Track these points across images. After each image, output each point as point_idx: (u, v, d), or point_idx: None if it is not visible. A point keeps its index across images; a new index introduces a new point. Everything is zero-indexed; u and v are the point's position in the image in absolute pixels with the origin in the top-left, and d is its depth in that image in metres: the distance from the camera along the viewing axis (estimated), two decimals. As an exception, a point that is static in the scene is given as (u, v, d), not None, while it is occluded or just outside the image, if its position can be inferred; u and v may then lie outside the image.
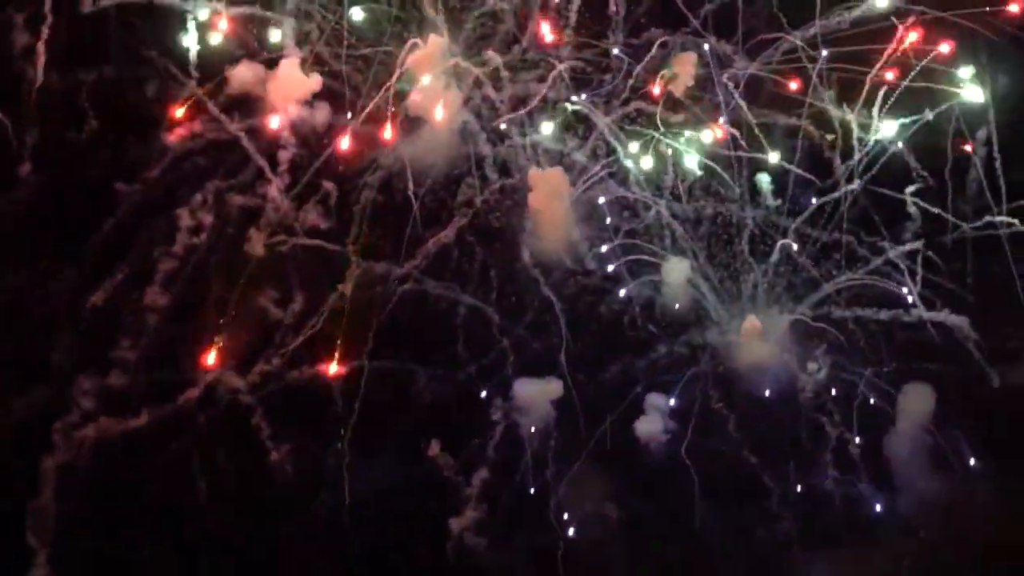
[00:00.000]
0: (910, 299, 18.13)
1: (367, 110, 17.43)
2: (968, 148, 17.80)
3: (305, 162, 17.50)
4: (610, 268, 18.30)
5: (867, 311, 18.20)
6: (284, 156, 17.16)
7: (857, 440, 18.18)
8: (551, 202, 17.42)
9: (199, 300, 17.19)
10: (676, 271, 17.91)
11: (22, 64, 16.41)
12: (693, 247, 18.04)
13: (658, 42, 17.73)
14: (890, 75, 17.53)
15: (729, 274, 18.24)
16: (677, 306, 18.33)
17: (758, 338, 17.79)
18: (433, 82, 17.22)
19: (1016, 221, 17.77)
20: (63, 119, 16.96)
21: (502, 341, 18.06)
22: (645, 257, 18.19)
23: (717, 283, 18.24)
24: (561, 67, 17.59)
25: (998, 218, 17.77)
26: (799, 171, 17.85)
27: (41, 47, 16.19)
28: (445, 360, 18.10)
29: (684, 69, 17.64)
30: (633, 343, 18.47)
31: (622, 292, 18.44)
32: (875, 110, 17.79)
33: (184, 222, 16.95)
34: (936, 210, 18.03)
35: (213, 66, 17.24)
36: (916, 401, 17.89)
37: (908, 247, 18.19)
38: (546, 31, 17.62)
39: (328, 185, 17.48)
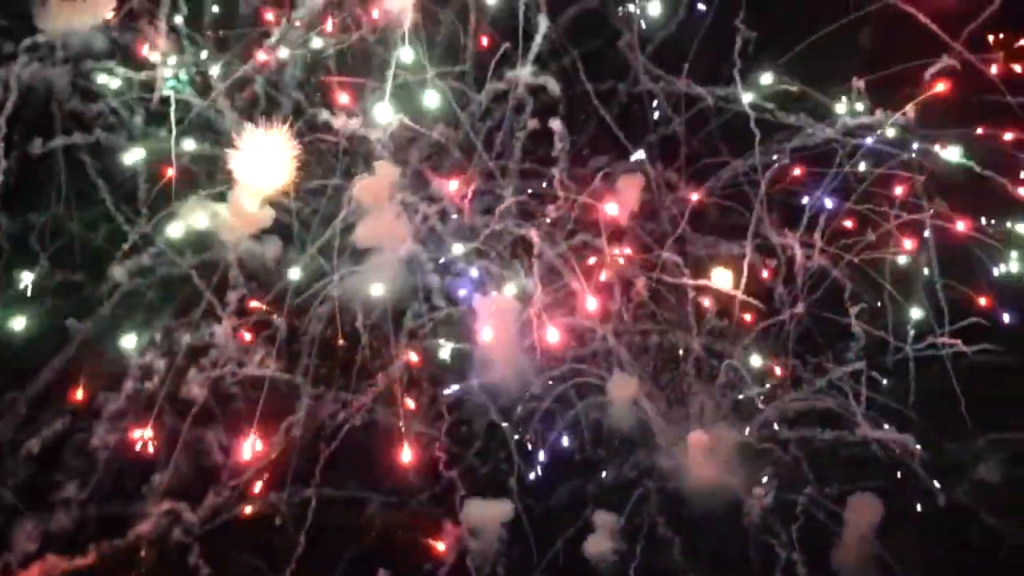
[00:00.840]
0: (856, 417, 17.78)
1: (317, 244, 17.02)
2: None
3: (255, 297, 17.05)
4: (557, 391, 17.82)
5: (812, 431, 17.99)
6: (233, 295, 16.78)
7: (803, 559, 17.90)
8: (498, 329, 17.33)
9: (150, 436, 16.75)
10: (622, 388, 17.78)
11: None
12: (639, 370, 17.95)
13: (601, 172, 17.49)
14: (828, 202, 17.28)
15: (675, 396, 18.15)
16: (624, 426, 18.03)
17: (705, 453, 17.76)
18: (381, 214, 17.00)
19: (958, 342, 17.48)
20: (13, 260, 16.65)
21: (452, 468, 17.59)
22: (592, 380, 17.91)
23: (663, 404, 18.06)
24: (508, 202, 17.31)
25: (940, 339, 17.52)
26: (744, 296, 17.57)
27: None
28: (395, 488, 17.74)
29: (630, 193, 17.54)
30: (581, 465, 18.25)
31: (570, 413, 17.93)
32: (817, 234, 17.64)
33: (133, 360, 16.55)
34: (879, 333, 17.63)
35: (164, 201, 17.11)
36: (863, 512, 17.86)
37: (851, 367, 17.80)
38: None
39: (277, 320, 17.06)
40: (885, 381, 18.67)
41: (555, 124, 17.55)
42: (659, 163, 18.48)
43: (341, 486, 18.06)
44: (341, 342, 17.80)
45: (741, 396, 18.72)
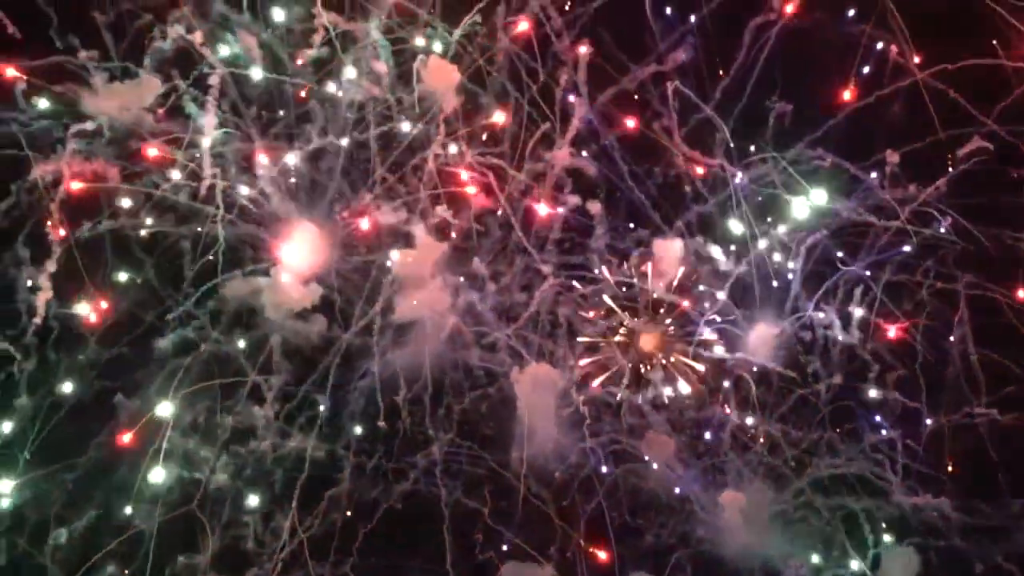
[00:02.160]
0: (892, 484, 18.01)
1: (362, 323, 17.43)
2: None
3: (302, 376, 17.42)
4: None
5: (848, 499, 18.21)
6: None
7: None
8: (538, 400, 17.60)
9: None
10: (658, 449, 18.03)
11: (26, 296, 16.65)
12: (675, 435, 18.23)
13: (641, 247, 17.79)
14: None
15: (712, 463, 18.40)
16: (660, 491, 18.28)
17: (739, 514, 17.98)
18: (422, 288, 17.30)
19: (994, 411, 17.65)
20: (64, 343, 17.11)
21: (494, 540, 17.89)
22: (628, 448, 18.20)
23: (698, 471, 18.32)
24: (548, 283, 17.60)
25: (976, 410, 17.71)
26: (780, 369, 17.81)
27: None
28: (437, 557, 18.06)
29: (669, 263, 17.81)
30: (619, 531, 18.53)
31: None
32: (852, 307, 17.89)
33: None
34: (914, 404, 17.82)
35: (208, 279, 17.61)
36: (899, 565, 18.02)
37: (886, 435, 18.00)
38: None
39: (321, 400, 17.41)
40: (920, 449, 18.23)
41: (594, 206, 17.49)
42: (697, 237, 18.20)
43: (382, 557, 17.89)
44: (381, 424, 17.49)
45: (776, 462, 18.42)
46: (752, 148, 18.58)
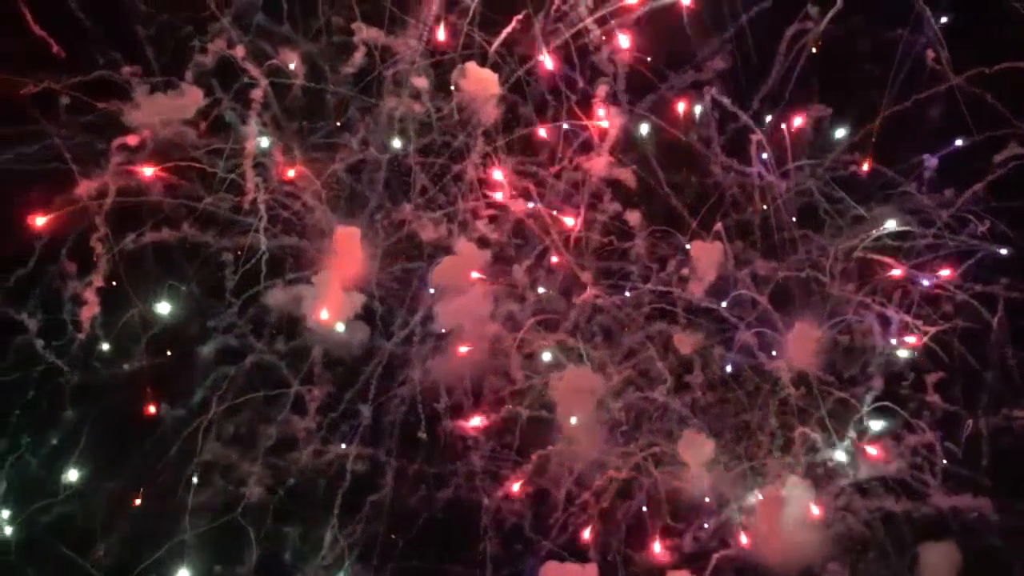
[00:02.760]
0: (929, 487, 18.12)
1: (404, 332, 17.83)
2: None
3: (343, 384, 17.75)
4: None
5: (886, 501, 18.33)
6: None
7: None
8: (577, 406, 17.77)
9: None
10: (696, 449, 18.16)
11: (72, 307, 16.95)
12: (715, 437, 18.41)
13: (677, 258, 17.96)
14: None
15: (751, 465, 18.54)
16: (700, 492, 18.45)
17: (778, 512, 18.10)
18: (462, 295, 17.50)
19: None
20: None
21: (535, 545, 18.17)
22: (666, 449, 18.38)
23: (738, 471, 18.48)
24: (588, 293, 17.85)
25: (1015, 412, 17.81)
26: (820, 374, 17.95)
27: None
28: (477, 562, 18.30)
29: (707, 264, 17.93)
30: (661, 533, 18.72)
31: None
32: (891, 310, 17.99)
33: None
34: (953, 408, 18.01)
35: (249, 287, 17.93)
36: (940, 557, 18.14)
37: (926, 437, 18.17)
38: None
39: (363, 409, 17.64)
40: (958, 450, 18.35)
41: (633, 215, 17.69)
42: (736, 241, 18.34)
43: (423, 562, 18.11)
44: (422, 435, 17.94)
45: (815, 463, 18.56)
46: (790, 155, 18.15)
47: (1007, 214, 18.33)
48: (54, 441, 17.74)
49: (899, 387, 18.80)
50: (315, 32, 18.09)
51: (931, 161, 18.14)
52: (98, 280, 17.20)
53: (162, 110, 17.50)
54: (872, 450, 18.41)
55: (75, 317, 17.39)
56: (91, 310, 17.29)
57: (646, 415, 18.69)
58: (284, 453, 18.15)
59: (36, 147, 17.22)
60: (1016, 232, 18.21)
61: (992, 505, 18.41)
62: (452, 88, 17.83)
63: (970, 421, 18.83)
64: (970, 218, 18.22)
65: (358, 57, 17.66)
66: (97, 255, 17.23)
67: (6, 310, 17.42)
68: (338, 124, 18.15)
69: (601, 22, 17.85)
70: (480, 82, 17.64)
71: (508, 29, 17.80)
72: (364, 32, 17.55)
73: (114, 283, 17.57)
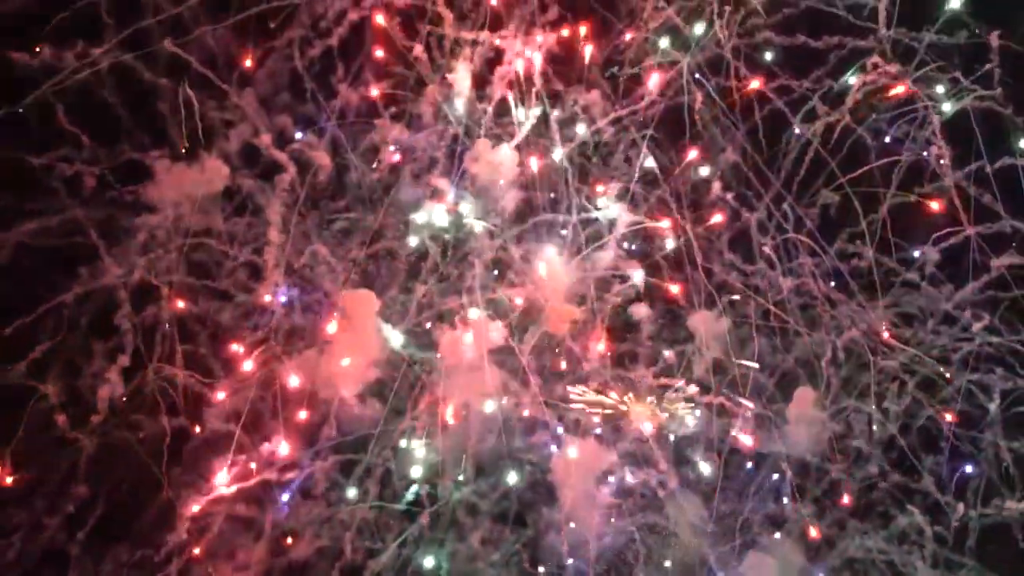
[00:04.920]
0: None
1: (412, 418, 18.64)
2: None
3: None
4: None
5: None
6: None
7: None
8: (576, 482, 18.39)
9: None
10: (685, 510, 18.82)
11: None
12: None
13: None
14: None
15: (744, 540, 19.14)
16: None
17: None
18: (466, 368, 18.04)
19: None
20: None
21: None
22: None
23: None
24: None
25: (1006, 504, 18.41)
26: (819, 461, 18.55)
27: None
28: None
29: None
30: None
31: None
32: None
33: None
34: (945, 498, 18.75)
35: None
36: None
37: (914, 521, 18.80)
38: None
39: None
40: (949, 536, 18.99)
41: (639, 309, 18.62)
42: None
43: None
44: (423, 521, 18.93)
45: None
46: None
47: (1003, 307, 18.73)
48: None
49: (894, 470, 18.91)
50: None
51: (933, 254, 18.37)
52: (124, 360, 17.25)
53: (184, 184, 17.55)
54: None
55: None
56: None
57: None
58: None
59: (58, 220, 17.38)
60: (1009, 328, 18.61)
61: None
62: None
63: (961, 506, 18.85)
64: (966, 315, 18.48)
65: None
66: (124, 332, 17.43)
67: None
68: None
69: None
70: (496, 165, 17.84)
71: (527, 126, 18.07)
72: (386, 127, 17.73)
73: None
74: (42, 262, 17.57)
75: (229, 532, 18.61)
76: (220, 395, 18.17)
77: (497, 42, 18.35)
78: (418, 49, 18.53)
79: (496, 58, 18.59)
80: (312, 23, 18.25)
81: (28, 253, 17.49)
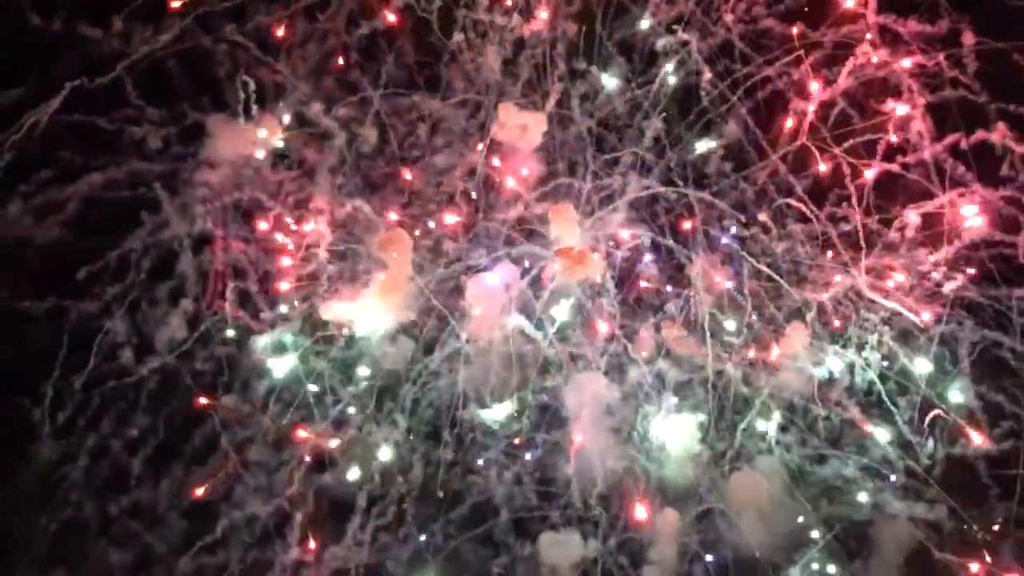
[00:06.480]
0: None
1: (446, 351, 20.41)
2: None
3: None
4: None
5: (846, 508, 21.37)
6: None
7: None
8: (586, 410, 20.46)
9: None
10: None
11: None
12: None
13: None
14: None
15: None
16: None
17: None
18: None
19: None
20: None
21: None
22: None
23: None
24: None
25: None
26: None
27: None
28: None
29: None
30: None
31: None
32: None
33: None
34: (916, 438, 21.00)
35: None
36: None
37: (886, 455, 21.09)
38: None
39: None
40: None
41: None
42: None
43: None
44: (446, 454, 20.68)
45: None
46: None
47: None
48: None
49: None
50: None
51: (914, 217, 20.41)
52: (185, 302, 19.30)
53: (238, 139, 19.41)
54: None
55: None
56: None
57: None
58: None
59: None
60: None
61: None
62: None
63: (930, 442, 21.01)
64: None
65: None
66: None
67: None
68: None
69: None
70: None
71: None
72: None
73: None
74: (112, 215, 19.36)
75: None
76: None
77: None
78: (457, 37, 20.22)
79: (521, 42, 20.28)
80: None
81: (97, 206, 19.35)
